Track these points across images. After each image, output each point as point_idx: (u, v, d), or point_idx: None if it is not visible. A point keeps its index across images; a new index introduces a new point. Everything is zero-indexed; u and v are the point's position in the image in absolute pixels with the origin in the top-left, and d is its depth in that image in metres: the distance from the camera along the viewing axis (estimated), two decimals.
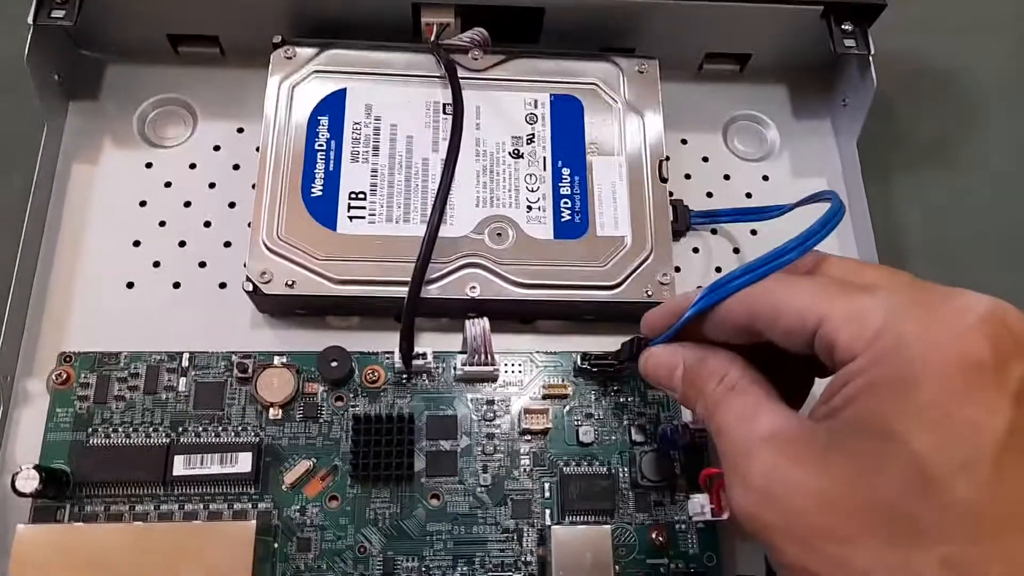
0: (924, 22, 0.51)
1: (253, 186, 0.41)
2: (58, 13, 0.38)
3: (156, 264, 0.40)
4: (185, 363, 0.37)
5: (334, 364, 0.36)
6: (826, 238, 0.29)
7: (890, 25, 0.43)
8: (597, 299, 0.37)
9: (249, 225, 0.38)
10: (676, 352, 0.30)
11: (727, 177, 0.45)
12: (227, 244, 0.40)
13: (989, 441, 0.22)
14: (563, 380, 0.38)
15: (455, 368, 0.37)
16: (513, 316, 0.39)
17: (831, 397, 0.25)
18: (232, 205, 0.41)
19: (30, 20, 0.38)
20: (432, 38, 0.41)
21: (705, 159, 0.45)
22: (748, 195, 0.44)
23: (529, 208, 0.39)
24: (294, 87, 0.40)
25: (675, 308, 0.31)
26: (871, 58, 0.42)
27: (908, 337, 0.24)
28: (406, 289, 0.36)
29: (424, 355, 0.37)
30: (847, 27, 0.42)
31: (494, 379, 0.37)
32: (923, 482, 0.22)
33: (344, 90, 0.40)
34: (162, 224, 0.41)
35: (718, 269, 0.42)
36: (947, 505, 0.22)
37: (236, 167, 0.42)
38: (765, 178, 0.45)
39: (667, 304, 0.32)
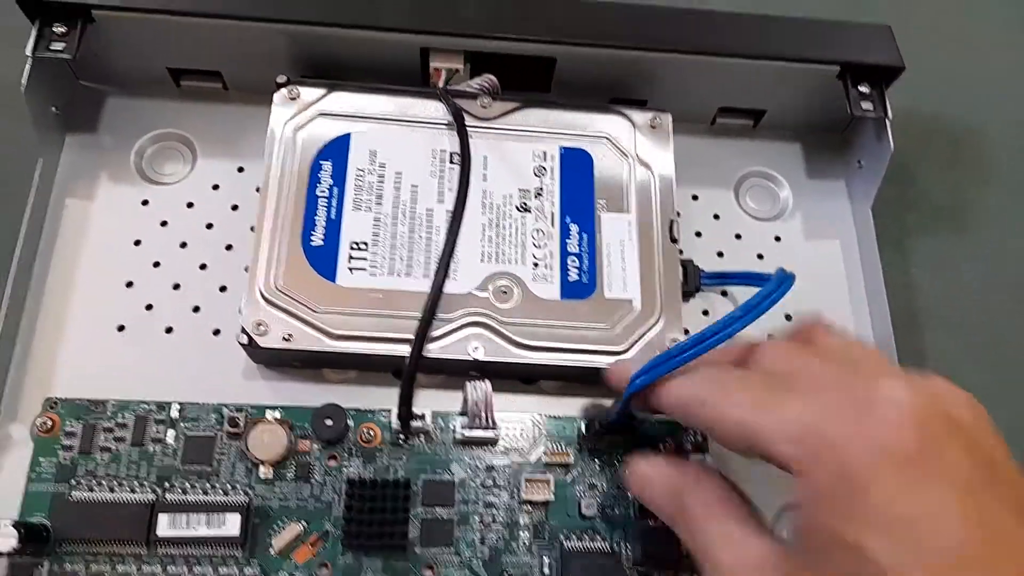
0: (940, 81, 0.51)
1: (251, 228, 0.40)
2: (57, 46, 0.37)
3: (149, 307, 0.38)
4: (175, 414, 0.36)
5: (329, 423, 0.35)
6: (770, 309, 0.30)
7: (906, 83, 0.42)
8: (604, 365, 0.36)
9: (246, 269, 0.37)
10: (658, 466, 0.32)
11: (738, 236, 0.44)
12: (223, 288, 0.39)
13: (943, 536, 0.22)
14: (565, 447, 0.36)
15: (454, 430, 0.36)
16: (515, 376, 0.38)
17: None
18: (229, 247, 0.40)
19: (28, 52, 0.37)
20: (440, 84, 0.40)
21: (716, 216, 0.44)
22: (760, 256, 0.43)
23: (535, 265, 0.38)
24: (297, 130, 0.39)
25: (624, 374, 0.32)
26: (888, 121, 0.41)
27: (840, 441, 0.24)
28: (406, 348, 0.35)
29: (423, 416, 0.36)
30: (864, 89, 0.41)
31: (494, 443, 0.36)
32: None
33: (348, 135, 0.39)
34: (156, 265, 0.39)
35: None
36: None
37: (235, 207, 0.41)
38: (777, 239, 0.44)
39: (620, 368, 0.33)
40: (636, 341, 0.37)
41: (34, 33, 0.37)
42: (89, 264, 0.39)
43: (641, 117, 0.41)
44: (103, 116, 0.42)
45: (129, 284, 0.39)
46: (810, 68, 0.42)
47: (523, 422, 0.37)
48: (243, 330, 0.35)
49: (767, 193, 0.45)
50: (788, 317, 0.42)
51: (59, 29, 0.37)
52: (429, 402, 0.37)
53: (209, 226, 0.40)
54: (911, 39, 0.46)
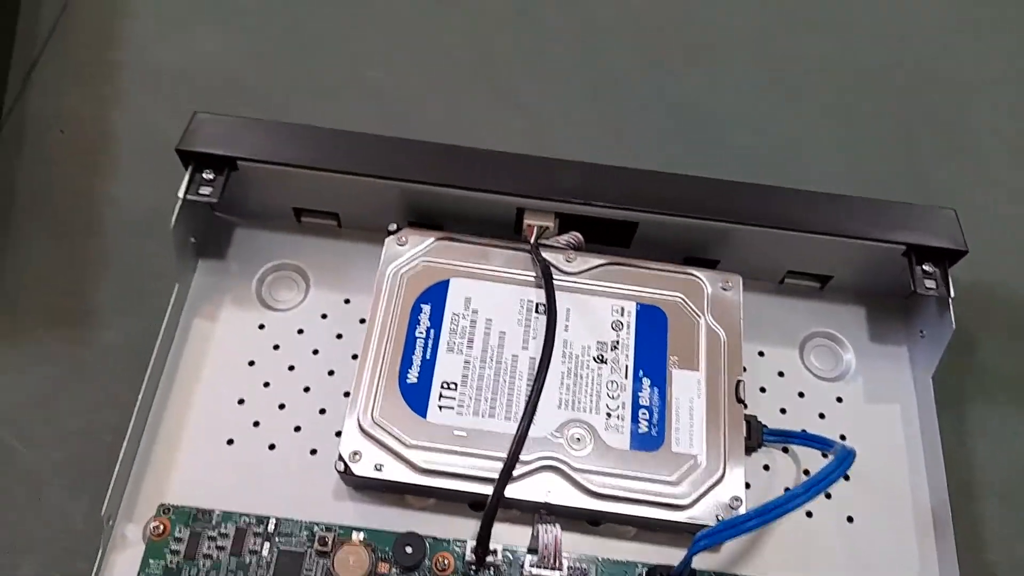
0: (1006, 252, 0.53)
1: (353, 356, 0.44)
2: (205, 190, 0.43)
3: (256, 424, 0.43)
4: (271, 528, 0.39)
5: (409, 551, 0.38)
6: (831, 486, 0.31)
7: (974, 256, 0.44)
8: (667, 518, 0.38)
9: (345, 394, 0.41)
10: None
11: (801, 395, 0.46)
12: (322, 411, 0.43)
13: None
14: None
15: (522, 566, 0.39)
16: (582, 518, 0.41)
17: None
18: (331, 373, 0.44)
19: (180, 194, 0.43)
20: (532, 239, 0.45)
21: (781, 374, 0.46)
22: (821, 415, 0.45)
23: (608, 415, 0.41)
24: (403, 273, 0.44)
25: None
26: (951, 301, 0.43)
27: None
28: (485, 486, 0.38)
29: (495, 551, 0.38)
30: (928, 268, 0.44)
31: None
32: None
33: (447, 281, 0.44)
34: (266, 385, 0.44)
35: (786, 488, 0.43)
36: None
37: (339, 336, 0.45)
38: (839, 399, 0.46)
39: None
40: (700, 496, 0.39)
41: (187, 178, 0.43)
42: (208, 380, 0.44)
43: (713, 280, 0.45)
44: (232, 245, 0.48)
45: (241, 401, 0.43)
46: (876, 245, 0.44)
47: (587, 564, 0.39)
48: (340, 457, 0.39)
49: (831, 354, 0.48)
50: (847, 477, 0.43)
51: (207, 175, 0.43)
52: (501, 535, 0.40)
53: (315, 352, 0.45)
54: (975, 212, 0.49)
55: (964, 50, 0.63)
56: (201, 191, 0.43)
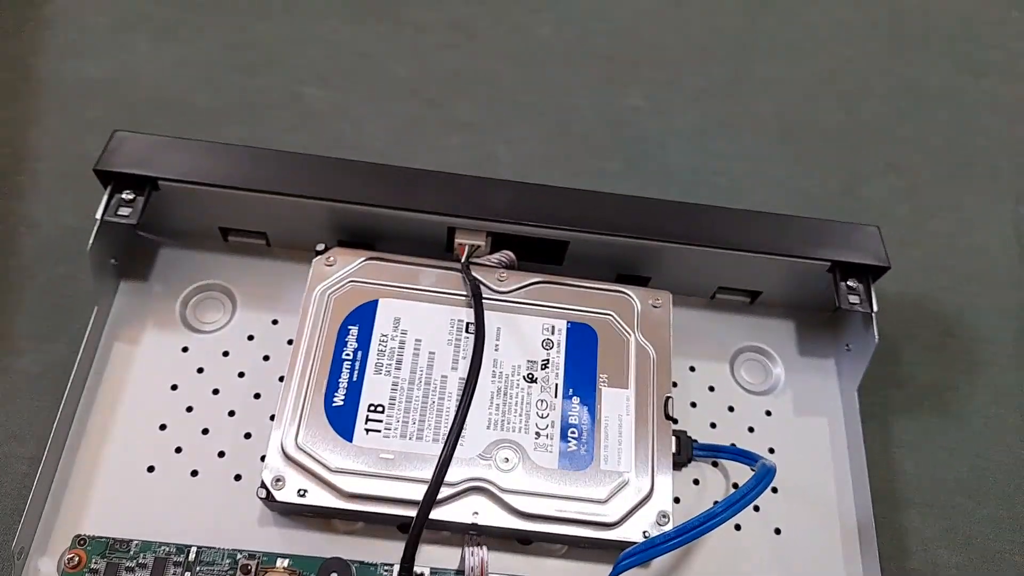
0: (928, 269, 0.55)
1: (280, 379, 0.43)
2: (124, 211, 0.42)
3: (178, 450, 0.42)
4: (192, 557, 0.38)
5: None
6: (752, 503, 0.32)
7: (901, 269, 0.45)
8: (596, 536, 0.38)
9: (271, 418, 0.41)
10: None
11: (731, 408, 0.46)
12: (247, 435, 0.42)
13: None
14: None
15: None
16: (512, 537, 0.41)
17: None
18: (257, 396, 0.44)
19: (98, 215, 0.42)
20: (463, 258, 0.44)
21: (712, 388, 0.47)
22: (751, 429, 0.46)
23: (537, 435, 0.41)
24: (330, 294, 0.43)
25: None
26: (874, 315, 0.44)
27: None
28: (413, 510, 0.37)
29: (422, 574, 0.38)
30: (852, 283, 0.45)
31: None
32: None
33: (376, 302, 0.43)
34: (189, 409, 0.43)
35: (715, 502, 0.43)
36: None
37: (266, 358, 0.45)
38: (768, 413, 0.46)
39: None
40: (628, 514, 0.39)
41: (105, 199, 0.42)
42: (128, 405, 0.42)
43: (643, 297, 0.45)
44: (156, 265, 0.47)
45: (162, 427, 0.42)
46: (802, 262, 0.45)
47: None
48: (262, 483, 0.38)
49: (761, 368, 0.48)
50: (775, 490, 0.44)
51: (127, 196, 0.42)
52: (431, 558, 0.40)
53: (241, 375, 0.44)
54: (903, 227, 0.50)
55: (896, 68, 0.65)
56: (120, 212, 0.42)
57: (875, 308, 0.44)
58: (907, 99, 0.63)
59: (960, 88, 0.65)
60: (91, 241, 0.41)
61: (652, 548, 0.33)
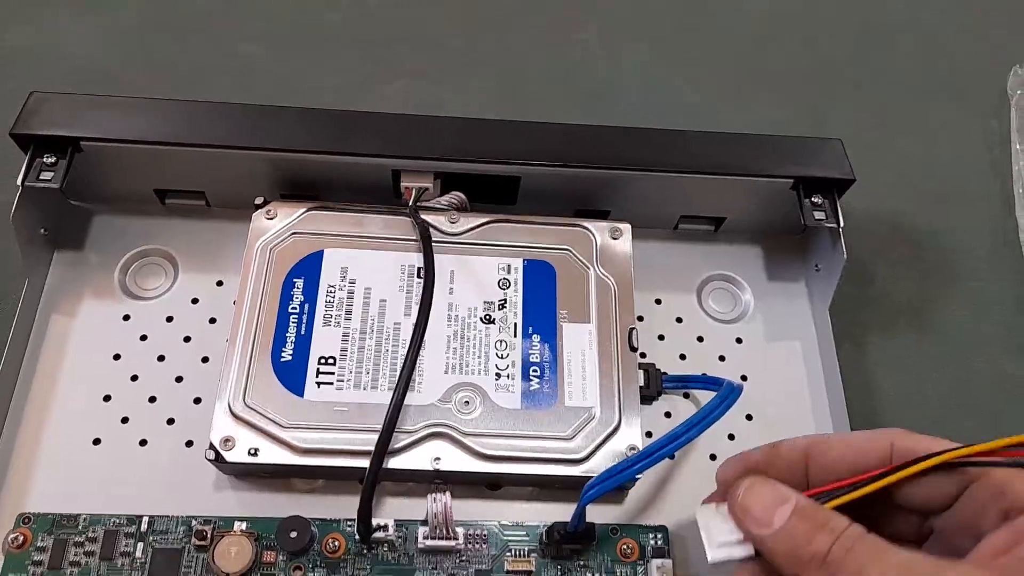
0: (897, 186, 0.53)
1: (227, 341, 0.41)
2: (47, 175, 0.40)
3: (124, 420, 0.40)
4: (144, 527, 0.37)
5: (293, 535, 0.36)
6: (716, 422, 0.33)
7: (864, 187, 0.44)
8: (563, 473, 0.37)
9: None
10: (783, 489, 0.29)
11: (700, 339, 0.45)
12: (197, 400, 0.41)
13: None
14: (527, 554, 0.37)
15: (416, 539, 0.37)
16: (479, 483, 0.39)
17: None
18: (205, 360, 0.42)
19: (19, 181, 0.39)
20: (411, 202, 0.42)
21: (679, 319, 0.45)
22: (721, 358, 0.44)
23: (498, 376, 0.39)
24: (272, 248, 0.41)
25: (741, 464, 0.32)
26: (840, 231, 0.43)
27: None
28: (369, 461, 0.36)
29: (385, 526, 0.36)
30: (816, 199, 0.43)
31: (456, 551, 0.37)
32: None
33: (321, 252, 0.41)
34: (134, 379, 0.41)
35: None
36: None
37: (212, 321, 0.43)
38: (739, 340, 0.45)
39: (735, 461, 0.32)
40: (595, 449, 0.38)
41: (25, 164, 0.40)
42: (69, 379, 0.40)
43: (601, 229, 0.43)
44: (90, 233, 0.44)
45: (107, 398, 0.40)
46: (765, 181, 0.43)
47: (486, 529, 0.37)
48: (211, 445, 0.36)
49: (729, 296, 0.47)
50: (749, 417, 0.43)
51: (49, 159, 0.40)
52: (394, 511, 0.38)
53: (187, 339, 0.42)
54: (873, 146, 0.48)
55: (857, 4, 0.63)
56: (42, 176, 0.40)
57: (842, 223, 0.43)
58: (869, 31, 0.62)
59: (919, 15, 0.63)
60: (13, 209, 0.39)
61: (616, 475, 0.31)
